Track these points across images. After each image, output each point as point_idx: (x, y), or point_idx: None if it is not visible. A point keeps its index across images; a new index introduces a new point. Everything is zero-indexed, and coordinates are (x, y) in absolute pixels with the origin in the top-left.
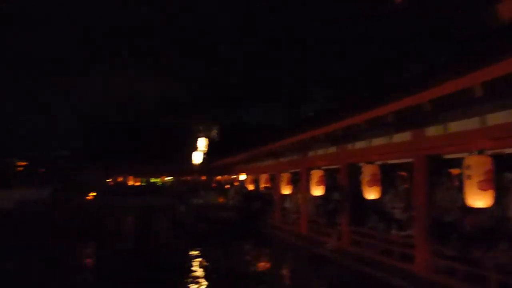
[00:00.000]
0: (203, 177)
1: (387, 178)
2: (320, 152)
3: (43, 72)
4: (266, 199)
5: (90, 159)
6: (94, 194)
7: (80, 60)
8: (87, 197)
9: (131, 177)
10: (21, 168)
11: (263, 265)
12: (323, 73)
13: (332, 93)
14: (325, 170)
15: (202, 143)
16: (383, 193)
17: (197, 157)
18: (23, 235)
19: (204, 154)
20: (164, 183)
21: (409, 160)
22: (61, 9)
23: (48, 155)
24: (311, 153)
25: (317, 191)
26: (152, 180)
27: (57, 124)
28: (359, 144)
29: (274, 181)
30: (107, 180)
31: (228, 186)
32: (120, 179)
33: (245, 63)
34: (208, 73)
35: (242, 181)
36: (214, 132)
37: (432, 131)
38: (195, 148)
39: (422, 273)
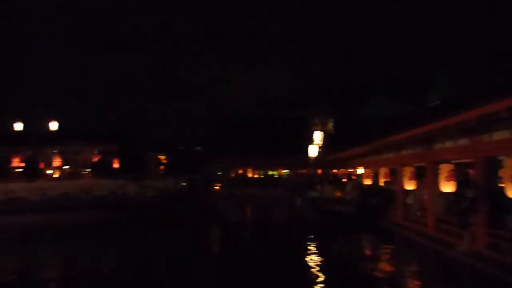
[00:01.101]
0: (319, 171)
1: None
2: (449, 144)
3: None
4: (386, 194)
5: (216, 152)
6: (220, 184)
7: (213, 58)
8: (215, 188)
9: (250, 169)
10: (163, 161)
11: (385, 264)
12: (445, 60)
13: (458, 80)
14: (456, 164)
15: (318, 136)
16: None
17: (313, 150)
18: (166, 217)
19: (320, 147)
20: (280, 176)
21: None
22: (203, 12)
23: (182, 149)
24: (438, 146)
25: (447, 187)
26: (270, 172)
27: (190, 119)
28: (498, 135)
29: (395, 175)
30: (228, 172)
31: (345, 179)
32: (240, 171)
33: (359, 55)
34: (324, 66)
35: (360, 175)
36: (330, 125)
37: None
38: (311, 141)
39: None
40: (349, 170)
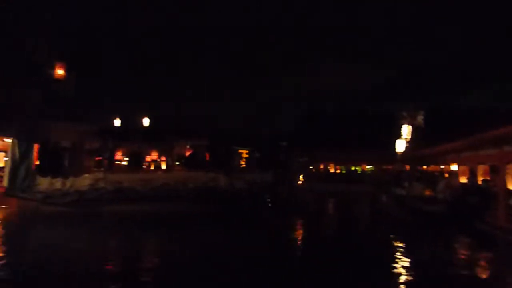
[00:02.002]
0: (406, 167)
1: None
2: None
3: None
4: (485, 194)
5: (300, 146)
6: (303, 179)
7: (300, 53)
8: (298, 182)
9: (332, 164)
10: (245, 155)
11: (487, 272)
12: None
13: None
14: None
15: (405, 130)
16: None
17: (400, 145)
18: (254, 208)
19: (408, 142)
20: (364, 171)
21: None
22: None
23: (268, 144)
24: None
25: None
26: (353, 168)
27: (275, 114)
28: None
29: (496, 173)
30: (311, 167)
31: (436, 177)
32: (322, 166)
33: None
34: (415, 56)
35: (454, 173)
36: (420, 119)
37: None
38: (398, 136)
39: None
40: (441, 166)
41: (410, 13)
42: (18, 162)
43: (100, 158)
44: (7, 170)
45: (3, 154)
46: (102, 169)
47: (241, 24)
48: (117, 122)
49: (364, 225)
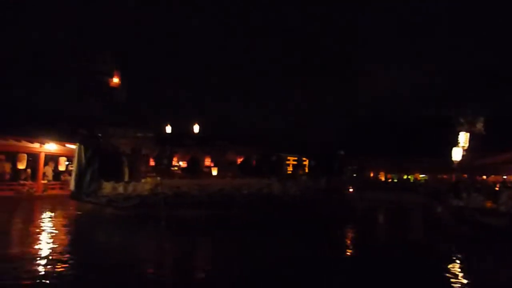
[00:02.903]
0: (464, 176)
1: None
2: None
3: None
4: None
5: (350, 153)
6: (353, 187)
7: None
8: (349, 190)
9: (383, 172)
10: (294, 162)
11: None
12: None
13: None
14: None
15: (463, 137)
16: None
17: (457, 154)
18: (308, 213)
19: (465, 150)
20: (417, 180)
21: None
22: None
23: (318, 151)
24: None
25: None
26: (405, 176)
27: (324, 121)
28: None
29: None
30: (361, 175)
31: (498, 188)
32: (372, 173)
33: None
34: (471, 57)
35: None
36: (480, 125)
37: None
38: (455, 144)
39: None
40: (503, 177)
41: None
42: (84, 168)
43: (158, 163)
44: (73, 175)
45: (64, 158)
46: (159, 174)
47: (285, 25)
48: (168, 129)
49: (419, 237)
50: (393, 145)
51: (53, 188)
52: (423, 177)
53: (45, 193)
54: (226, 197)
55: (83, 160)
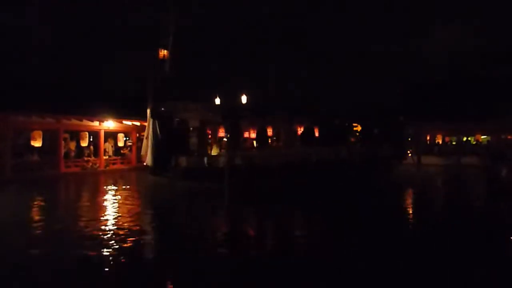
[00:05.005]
0: None
1: None
2: None
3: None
4: None
5: (407, 116)
6: (410, 151)
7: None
8: (408, 156)
9: (440, 135)
10: (358, 129)
11: None
12: None
13: None
14: None
15: None
16: None
17: None
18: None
19: None
20: (479, 142)
21: None
22: None
23: (375, 117)
24: None
25: None
26: (464, 138)
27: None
28: None
29: None
30: (417, 139)
31: None
32: (428, 137)
33: None
34: None
35: None
36: None
37: None
38: None
39: None
40: None
41: None
42: (160, 143)
43: (226, 136)
44: (149, 151)
45: (122, 135)
46: (230, 146)
47: None
48: (217, 101)
49: (482, 205)
50: (452, 106)
51: (114, 163)
52: (484, 138)
53: (107, 168)
54: (297, 166)
55: (159, 136)
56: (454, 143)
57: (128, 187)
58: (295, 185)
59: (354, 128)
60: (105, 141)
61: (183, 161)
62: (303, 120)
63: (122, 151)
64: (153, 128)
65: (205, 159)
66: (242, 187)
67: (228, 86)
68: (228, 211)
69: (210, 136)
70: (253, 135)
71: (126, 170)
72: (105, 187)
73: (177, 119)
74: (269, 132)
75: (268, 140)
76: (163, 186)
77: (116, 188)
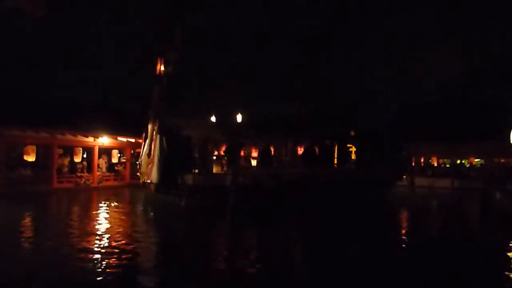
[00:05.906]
0: None
1: None
2: None
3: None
4: None
5: (399, 139)
6: (405, 174)
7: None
8: (403, 177)
9: (435, 157)
10: (352, 149)
11: None
12: None
13: None
14: None
15: None
16: None
17: None
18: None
19: None
20: (472, 165)
21: None
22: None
23: (370, 138)
24: None
25: None
26: (458, 161)
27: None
28: None
29: None
30: (411, 161)
31: None
32: (422, 159)
33: None
34: None
35: None
36: None
37: None
38: None
39: None
40: None
41: None
42: (166, 159)
43: (227, 153)
44: (155, 168)
45: (116, 151)
46: (231, 164)
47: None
48: (213, 118)
49: (476, 228)
50: (446, 130)
51: (107, 180)
52: (478, 161)
53: (100, 184)
54: (302, 185)
55: (165, 152)
56: (448, 165)
57: (127, 205)
58: (297, 205)
59: (350, 149)
60: (99, 157)
61: (189, 178)
62: (302, 140)
63: (116, 168)
64: (160, 144)
65: (210, 177)
66: (247, 206)
67: (225, 103)
68: (231, 232)
69: (214, 153)
70: (255, 153)
71: (120, 186)
72: (105, 203)
73: (183, 135)
74: (272, 151)
75: (271, 159)
76: (168, 206)
77: (120, 205)
